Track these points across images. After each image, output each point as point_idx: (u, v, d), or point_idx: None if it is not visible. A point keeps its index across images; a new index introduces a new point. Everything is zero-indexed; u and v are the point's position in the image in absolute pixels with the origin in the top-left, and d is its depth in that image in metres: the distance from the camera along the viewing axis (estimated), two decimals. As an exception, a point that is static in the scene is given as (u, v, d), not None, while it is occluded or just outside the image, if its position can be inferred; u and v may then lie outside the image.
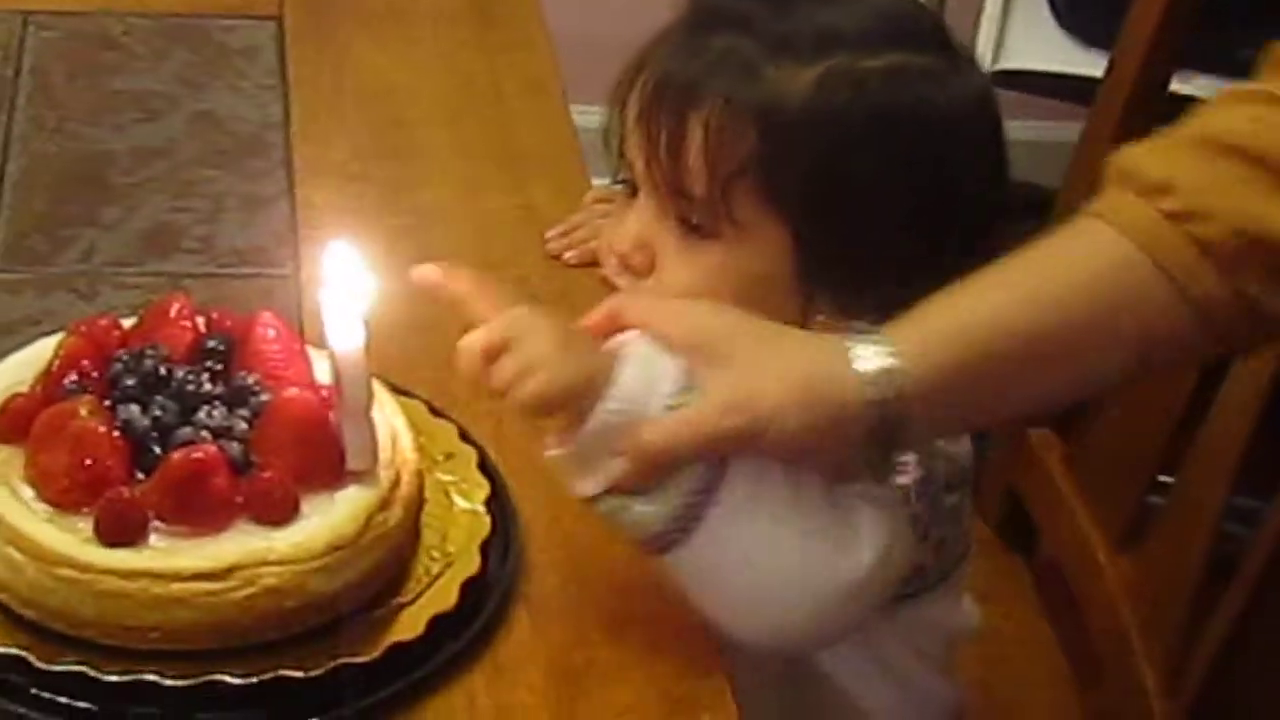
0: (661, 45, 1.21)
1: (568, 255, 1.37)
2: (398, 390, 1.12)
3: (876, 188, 1.17)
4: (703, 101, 1.15)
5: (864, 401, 1.00)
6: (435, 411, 1.14)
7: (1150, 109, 1.50)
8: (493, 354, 0.98)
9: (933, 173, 1.19)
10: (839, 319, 1.18)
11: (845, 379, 1.01)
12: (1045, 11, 2.28)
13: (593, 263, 1.34)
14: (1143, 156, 1.06)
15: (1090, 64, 1.57)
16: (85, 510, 0.96)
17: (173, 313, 1.07)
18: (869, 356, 1.02)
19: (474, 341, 0.99)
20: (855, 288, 1.18)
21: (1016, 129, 1.33)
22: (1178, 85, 1.55)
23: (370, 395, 1.01)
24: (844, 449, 1.03)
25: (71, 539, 0.95)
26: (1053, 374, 1.05)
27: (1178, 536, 1.43)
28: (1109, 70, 1.55)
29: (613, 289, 1.24)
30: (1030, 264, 1.06)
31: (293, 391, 1.01)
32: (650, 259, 1.20)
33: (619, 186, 1.26)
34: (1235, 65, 1.79)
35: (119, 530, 0.95)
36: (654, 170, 1.18)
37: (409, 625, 0.99)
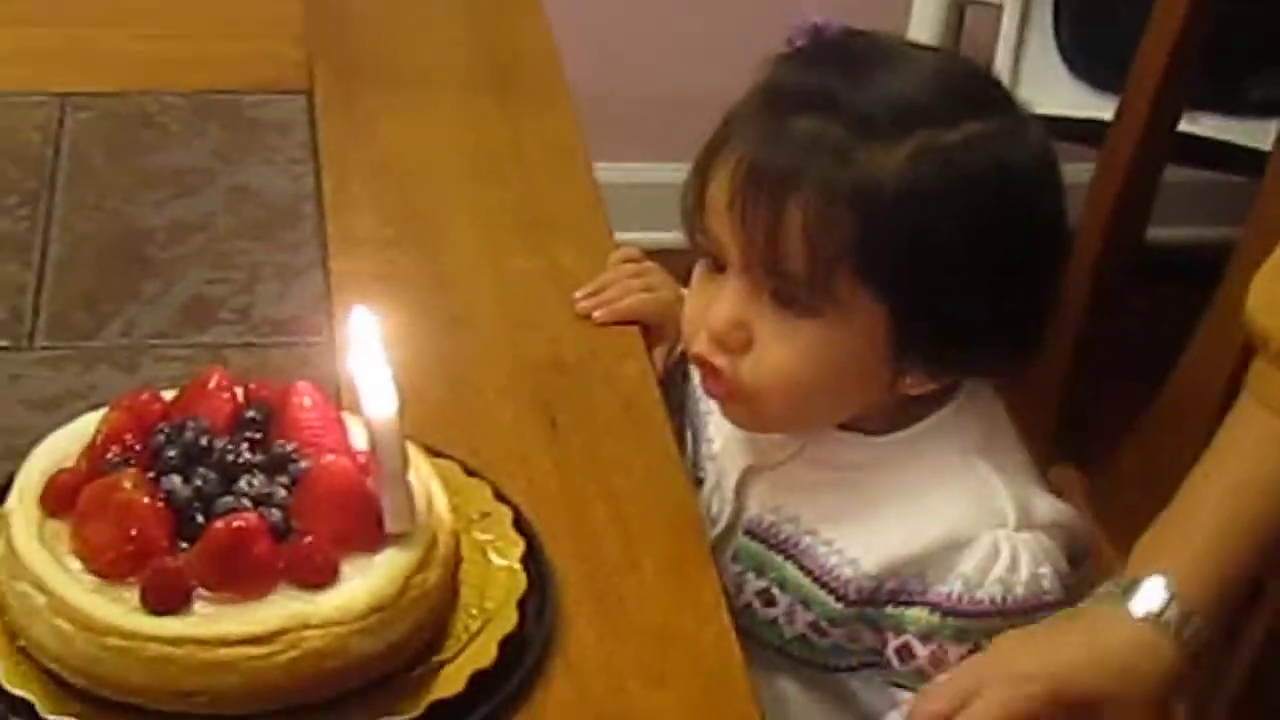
0: (745, 126, 1.22)
1: (597, 315, 1.36)
2: (432, 452, 1.11)
3: (966, 256, 1.18)
4: (799, 187, 1.16)
5: (1186, 660, 1.07)
6: (469, 472, 1.14)
7: (1160, 148, 1.50)
8: None
9: (1013, 232, 1.20)
10: (925, 382, 1.22)
11: (1165, 654, 1.08)
12: (1056, 58, 2.29)
13: (622, 322, 1.36)
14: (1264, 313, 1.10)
15: (1100, 108, 1.59)
16: (131, 580, 0.96)
17: (211, 384, 1.07)
18: (1169, 618, 1.07)
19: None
20: (942, 351, 1.20)
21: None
22: (1186, 125, 1.54)
23: (405, 459, 1.01)
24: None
25: (119, 609, 0.95)
26: None
27: None
28: (1119, 113, 1.55)
29: (704, 366, 1.25)
30: (1226, 465, 1.13)
31: (330, 458, 1.02)
32: (748, 337, 1.21)
33: (702, 263, 1.26)
34: (1243, 105, 1.81)
35: (164, 599, 0.95)
36: (751, 252, 1.19)
37: (449, 682, 0.99)
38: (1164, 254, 1.59)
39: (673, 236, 1.29)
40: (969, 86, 1.24)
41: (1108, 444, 1.57)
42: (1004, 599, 1.17)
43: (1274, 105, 1.36)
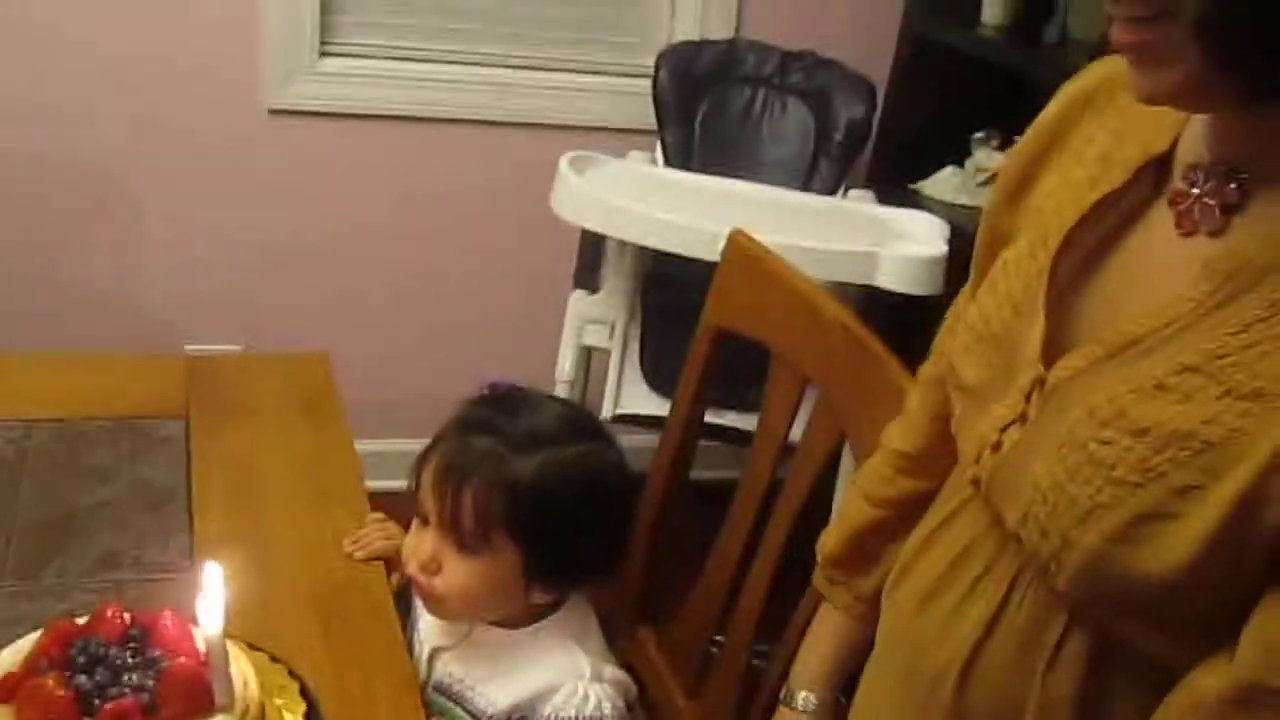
0: (444, 440, 1.28)
1: (358, 554, 1.35)
2: (251, 646, 1.12)
3: (571, 522, 1.25)
4: (472, 480, 1.24)
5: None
6: (273, 659, 1.14)
7: (696, 430, 1.53)
8: None
9: (601, 507, 1.28)
10: (546, 595, 1.28)
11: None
12: (640, 377, 2.34)
13: (375, 558, 1.36)
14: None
15: (664, 407, 1.66)
16: None
17: (109, 614, 1.07)
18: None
19: None
20: (556, 578, 1.27)
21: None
22: (710, 418, 1.59)
23: (227, 656, 1.03)
24: None
25: None
26: None
27: (725, 673, 1.44)
28: (672, 410, 1.55)
29: (415, 581, 1.29)
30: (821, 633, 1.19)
31: (181, 659, 1.03)
32: (439, 565, 1.26)
33: (416, 519, 1.30)
34: (744, 404, 1.89)
35: None
36: (442, 515, 1.25)
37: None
38: (700, 488, 1.66)
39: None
40: (578, 422, 1.32)
41: (671, 610, 1.56)
42: (579, 718, 1.22)
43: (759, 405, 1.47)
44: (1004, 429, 0.84)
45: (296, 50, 2.56)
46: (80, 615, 1.09)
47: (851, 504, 1.14)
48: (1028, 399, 0.83)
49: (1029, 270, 0.87)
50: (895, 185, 2.64)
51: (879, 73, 2.67)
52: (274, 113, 2.60)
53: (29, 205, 2.57)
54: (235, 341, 2.69)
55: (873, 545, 1.12)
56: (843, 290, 1.98)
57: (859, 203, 2.47)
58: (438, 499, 1.26)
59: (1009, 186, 0.94)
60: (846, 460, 1.47)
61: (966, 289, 1.03)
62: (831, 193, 2.50)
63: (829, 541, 1.17)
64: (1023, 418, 0.83)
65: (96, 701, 0.99)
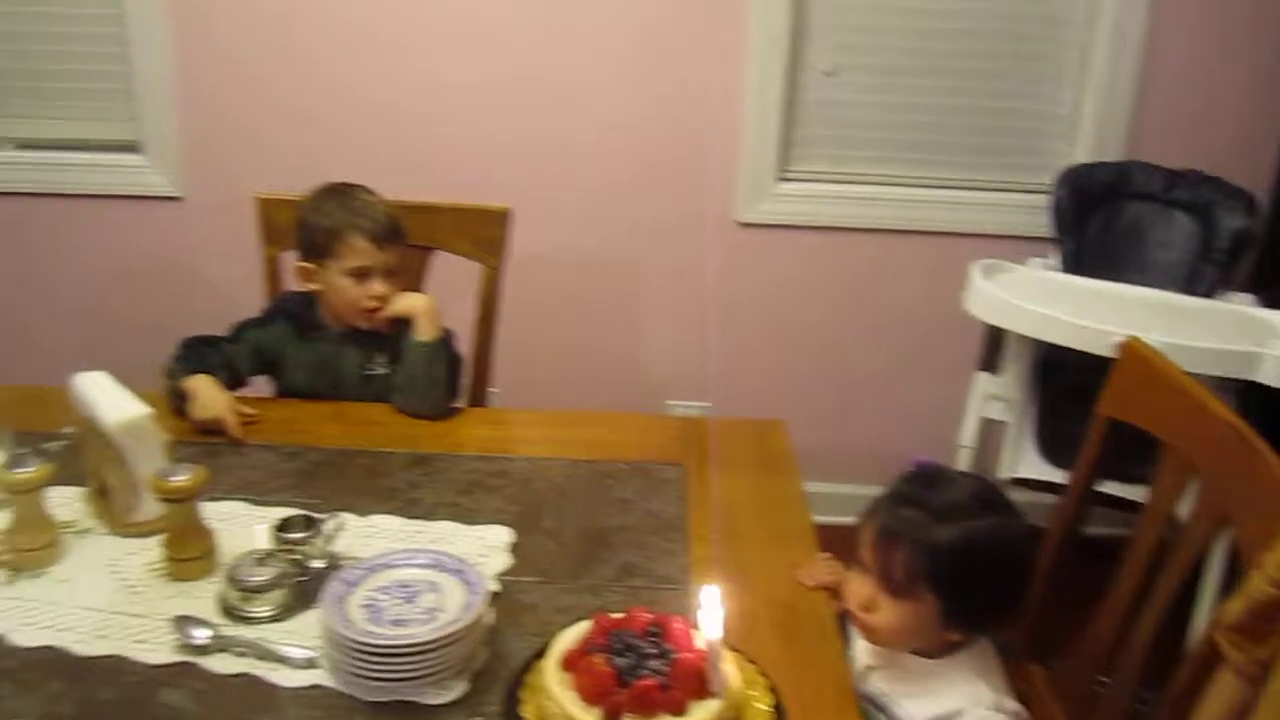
0: (879, 508, 1.27)
1: (809, 583, 1.35)
2: (733, 649, 1.14)
3: (984, 580, 1.24)
4: (903, 543, 1.24)
5: None
6: (748, 659, 1.16)
7: (1088, 501, 1.48)
8: None
9: (1009, 569, 1.25)
10: (959, 636, 1.27)
11: None
12: (1034, 448, 2.25)
13: (819, 586, 1.35)
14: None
15: (1059, 475, 1.58)
16: (596, 705, 1.04)
17: (637, 614, 1.13)
18: None
19: None
20: (968, 623, 1.25)
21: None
22: (1102, 487, 1.52)
23: (721, 654, 1.07)
24: None
25: (590, 717, 1.03)
26: None
27: (1110, 713, 1.37)
28: (1070, 480, 1.50)
29: (853, 616, 1.29)
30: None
31: (688, 654, 1.07)
32: (874, 605, 1.27)
33: (855, 565, 1.29)
34: (1131, 476, 1.74)
35: (612, 715, 1.03)
36: (878, 568, 1.26)
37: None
38: (1092, 543, 1.60)
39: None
40: (989, 497, 1.28)
41: (1061, 650, 1.49)
42: None
43: (1146, 479, 1.41)
44: None
45: (762, 177, 2.69)
46: (613, 612, 1.15)
47: (1255, 580, 1.08)
48: None
49: None
50: (1277, 290, 2.40)
51: (1261, 184, 2.46)
52: (743, 225, 2.73)
53: (570, 292, 2.80)
54: (705, 399, 2.82)
55: (1272, 618, 1.05)
56: (1221, 385, 1.86)
57: (1241, 305, 2.29)
58: (874, 555, 1.26)
59: None
60: (1225, 539, 1.38)
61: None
62: (1213, 296, 2.34)
63: (1231, 609, 1.09)
64: None
65: (628, 679, 1.05)
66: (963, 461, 2.26)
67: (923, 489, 1.26)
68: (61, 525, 1.41)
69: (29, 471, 1.35)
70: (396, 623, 1.17)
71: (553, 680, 1.07)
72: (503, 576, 1.35)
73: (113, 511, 1.44)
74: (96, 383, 1.46)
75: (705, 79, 2.60)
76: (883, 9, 2.58)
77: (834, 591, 1.35)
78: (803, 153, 2.71)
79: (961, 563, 1.21)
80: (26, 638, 1.23)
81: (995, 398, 2.27)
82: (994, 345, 2.27)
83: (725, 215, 2.71)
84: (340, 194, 1.79)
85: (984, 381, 2.29)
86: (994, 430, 2.32)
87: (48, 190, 2.77)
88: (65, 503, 1.46)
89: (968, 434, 2.28)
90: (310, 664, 1.19)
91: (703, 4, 2.56)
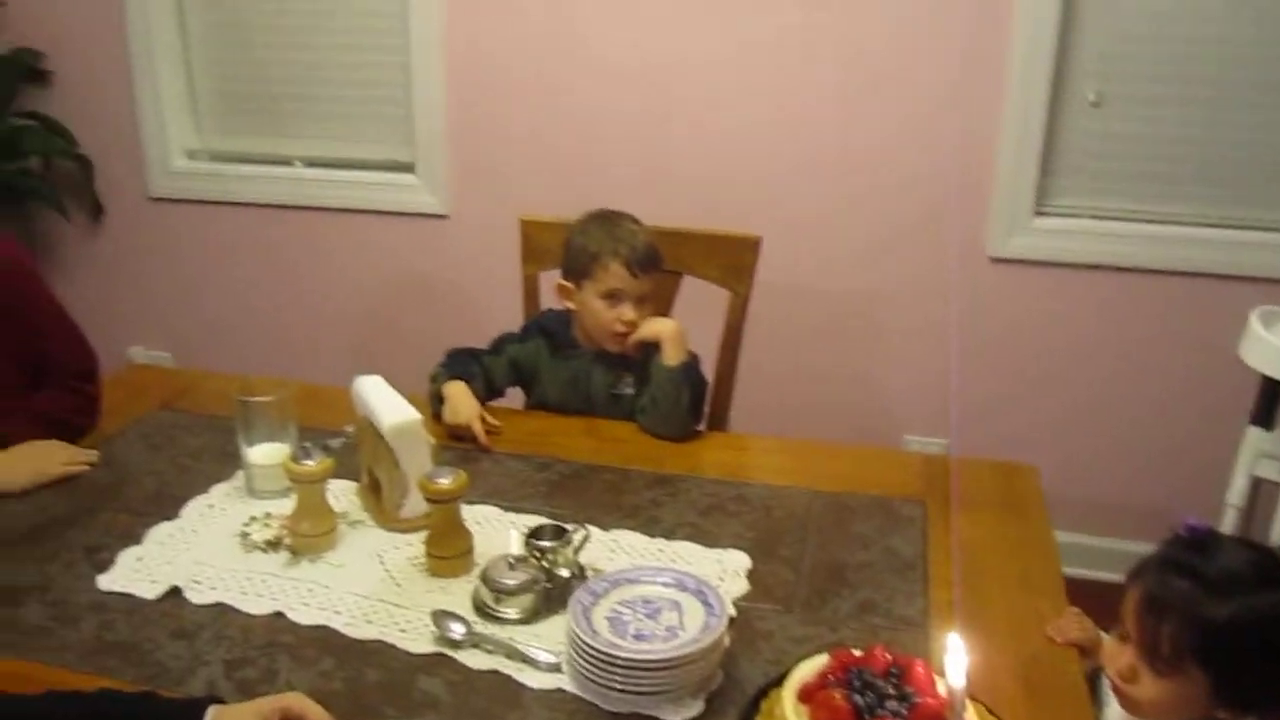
0: (1147, 572, 1.22)
1: (1059, 639, 1.31)
2: (976, 699, 1.12)
3: (1265, 661, 1.16)
4: (1171, 615, 1.18)
5: None
6: (990, 710, 1.14)
7: None
8: None
9: None
10: (1234, 717, 1.19)
11: None
12: None
13: (1069, 644, 1.30)
14: None
15: None
16: None
17: (878, 652, 1.12)
18: None
19: None
20: (1244, 706, 1.17)
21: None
22: None
23: (964, 703, 1.04)
24: None
25: None
26: None
27: None
28: None
29: (1114, 684, 1.24)
30: None
31: (928, 699, 1.07)
32: (1135, 676, 1.22)
33: (1115, 633, 1.25)
34: None
35: None
36: (1142, 639, 1.20)
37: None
38: None
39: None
40: (1270, 569, 1.20)
41: None
42: None
43: None
44: None
45: (1018, 210, 2.61)
46: (850, 647, 1.14)
47: None
48: None
49: None
50: None
51: None
52: (995, 260, 2.65)
53: (810, 317, 2.80)
54: (942, 436, 2.76)
55: None
56: None
57: None
58: (1138, 624, 1.21)
59: None
60: None
61: None
62: None
63: None
64: None
65: (867, 717, 1.05)
66: (1230, 523, 2.12)
67: (1195, 556, 1.19)
68: (338, 515, 1.52)
69: (314, 464, 1.48)
70: (638, 637, 1.22)
71: (790, 710, 1.08)
72: (739, 601, 1.37)
73: (382, 507, 1.55)
74: (374, 386, 1.58)
75: (962, 104, 2.56)
76: (1153, 35, 2.46)
77: (1083, 650, 1.31)
78: (1062, 184, 2.62)
79: (1238, 642, 1.15)
80: (304, 616, 1.35)
81: (1269, 456, 2.12)
82: (1270, 398, 2.12)
83: (976, 248, 2.66)
84: (606, 220, 1.87)
85: (1257, 437, 2.14)
86: (1266, 490, 2.18)
87: (330, 205, 3.04)
88: (341, 494, 1.59)
89: (1236, 493, 2.14)
90: (555, 668, 1.25)
91: (964, 21, 2.51)
